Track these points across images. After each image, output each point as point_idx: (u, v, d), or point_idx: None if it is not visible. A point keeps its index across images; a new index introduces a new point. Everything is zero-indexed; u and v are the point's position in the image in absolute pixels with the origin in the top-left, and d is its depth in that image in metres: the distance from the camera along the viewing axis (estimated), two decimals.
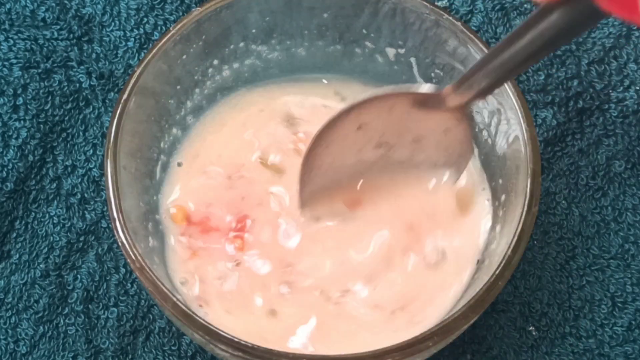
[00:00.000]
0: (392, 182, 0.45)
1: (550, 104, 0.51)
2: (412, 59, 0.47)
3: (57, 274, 0.48)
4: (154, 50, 0.42)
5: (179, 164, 0.46)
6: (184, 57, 0.44)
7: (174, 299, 0.38)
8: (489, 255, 0.43)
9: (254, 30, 0.46)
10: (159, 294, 0.38)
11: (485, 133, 0.45)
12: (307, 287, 0.43)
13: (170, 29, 0.43)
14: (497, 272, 0.38)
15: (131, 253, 0.39)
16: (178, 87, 0.45)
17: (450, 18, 0.43)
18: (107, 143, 0.40)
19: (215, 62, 0.46)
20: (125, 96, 0.41)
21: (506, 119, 0.42)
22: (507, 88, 0.42)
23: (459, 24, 0.43)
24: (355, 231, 0.44)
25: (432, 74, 0.46)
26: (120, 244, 0.39)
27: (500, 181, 0.44)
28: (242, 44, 0.47)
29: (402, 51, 0.47)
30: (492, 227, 0.44)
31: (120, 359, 0.46)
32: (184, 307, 0.38)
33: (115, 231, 0.39)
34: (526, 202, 0.40)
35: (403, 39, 0.46)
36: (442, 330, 0.37)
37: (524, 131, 0.41)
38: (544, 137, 0.50)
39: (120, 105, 0.41)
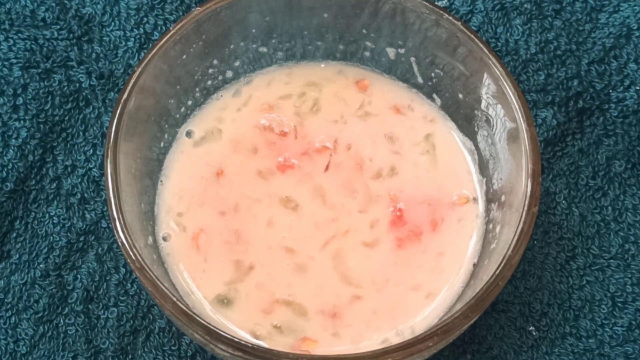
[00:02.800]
0: None
1: (550, 104, 0.51)
2: (412, 59, 0.47)
3: (57, 274, 0.48)
4: (154, 50, 0.42)
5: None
6: (184, 57, 0.44)
7: (174, 299, 0.38)
8: (489, 255, 0.43)
9: (254, 30, 0.46)
10: (158, 294, 0.38)
11: (485, 132, 0.45)
12: None
13: (170, 28, 0.43)
14: (497, 272, 0.38)
15: (131, 253, 0.39)
16: (178, 87, 0.45)
17: (450, 18, 0.43)
18: (107, 143, 0.40)
19: (215, 62, 0.46)
20: (125, 96, 0.41)
21: (506, 119, 0.42)
22: (507, 88, 0.42)
23: (459, 23, 0.43)
24: None
25: (432, 74, 0.47)
26: (120, 243, 0.39)
27: (501, 181, 0.44)
28: (242, 44, 0.47)
29: (402, 51, 0.47)
30: (493, 228, 0.44)
31: (120, 359, 0.46)
32: (183, 307, 0.38)
33: (115, 231, 0.39)
34: (526, 202, 0.40)
35: (403, 39, 0.46)
36: (442, 330, 0.37)
37: (524, 131, 0.41)
38: (544, 137, 0.50)
39: (120, 105, 0.41)
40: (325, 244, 0.44)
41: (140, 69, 0.42)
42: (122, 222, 0.39)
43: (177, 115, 0.46)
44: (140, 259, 0.39)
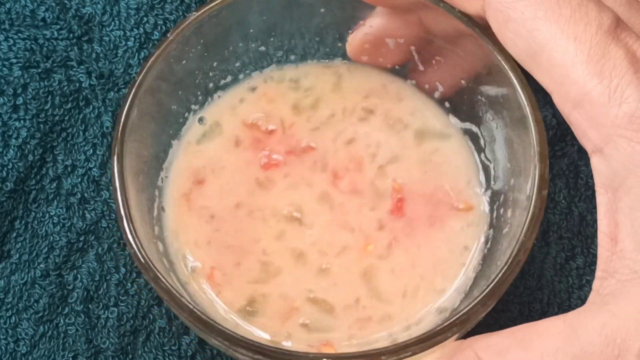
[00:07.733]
0: None
1: (550, 103, 0.50)
2: (412, 48, 0.46)
3: (57, 273, 0.48)
4: (156, 53, 0.42)
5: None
6: (185, 59, 0.44)
7: (190, 307, 0.37)
8: (501, 239, 0.43)
9: (252, 30, 0.46)
10: (174, 303, 0.38)
11: (489, 116, 0.45)
12: None
13: (172, 30, 0.43)
14: (512, 255, 0.38)
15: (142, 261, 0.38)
16: (180, 89, 0.45)
17: (455, 9, 0.43)
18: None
19: (215, 63, 0.46)
20: (128, 98, 0.41)
21: (511, 104, 0.42)
22: (511, 74, 0.42)
23: (462, 16, 0.43)
24: None
25: (433, 61, 0.46)
26: (133, 255, 0.38)
27: (509, 165, 0.44)
28: (241, 44, 0.47)
29: (401, 41, 0.47)
30: (504, 212, 0.44)
31: (120, 359, 0.46)
32: (202, 316, 0.37)
33: (128, 247, 0.39)
34: (536, 184, 0.39)
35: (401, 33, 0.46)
36: (460, 320, 0.37)
37: (530, 114, 0.41)
38: None
39: (124, 107, 0.41)
40: (342, 252, 0.44)
41: (142, 71, 0.42)
42: (134, 233, 0.39)
43: (180, 118, 0.46)
44: (153, 268, 0.38)
